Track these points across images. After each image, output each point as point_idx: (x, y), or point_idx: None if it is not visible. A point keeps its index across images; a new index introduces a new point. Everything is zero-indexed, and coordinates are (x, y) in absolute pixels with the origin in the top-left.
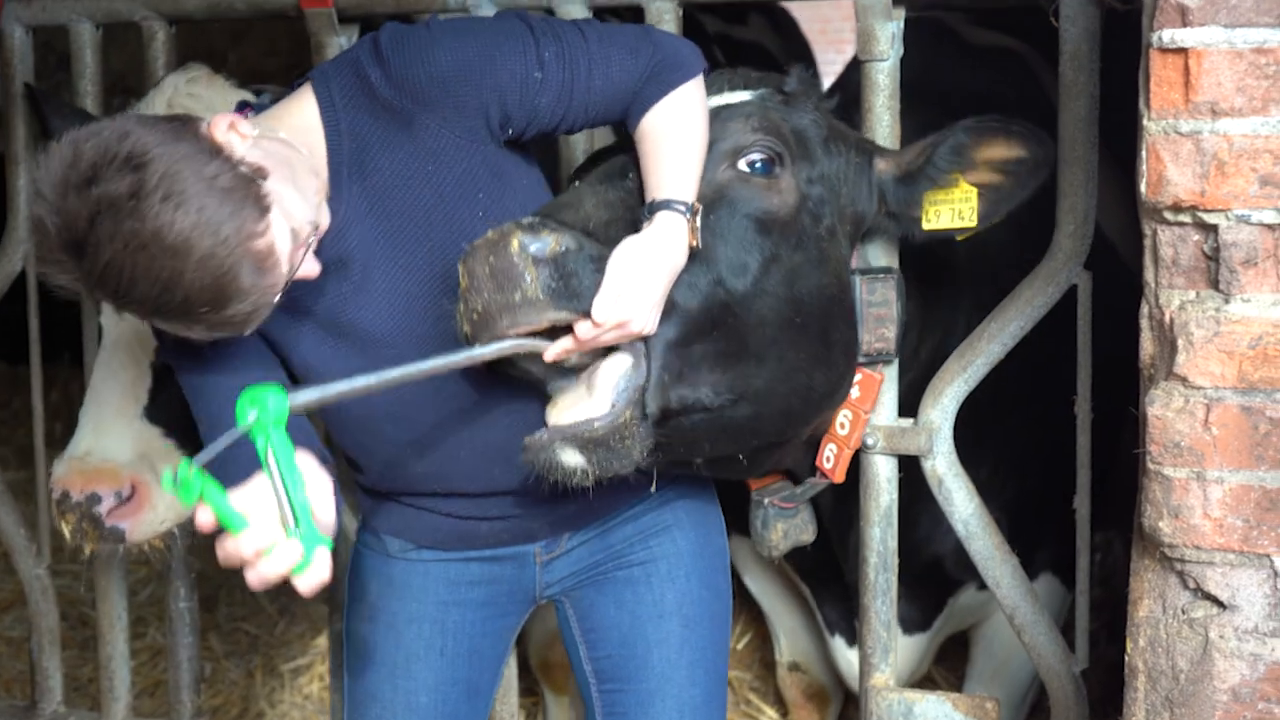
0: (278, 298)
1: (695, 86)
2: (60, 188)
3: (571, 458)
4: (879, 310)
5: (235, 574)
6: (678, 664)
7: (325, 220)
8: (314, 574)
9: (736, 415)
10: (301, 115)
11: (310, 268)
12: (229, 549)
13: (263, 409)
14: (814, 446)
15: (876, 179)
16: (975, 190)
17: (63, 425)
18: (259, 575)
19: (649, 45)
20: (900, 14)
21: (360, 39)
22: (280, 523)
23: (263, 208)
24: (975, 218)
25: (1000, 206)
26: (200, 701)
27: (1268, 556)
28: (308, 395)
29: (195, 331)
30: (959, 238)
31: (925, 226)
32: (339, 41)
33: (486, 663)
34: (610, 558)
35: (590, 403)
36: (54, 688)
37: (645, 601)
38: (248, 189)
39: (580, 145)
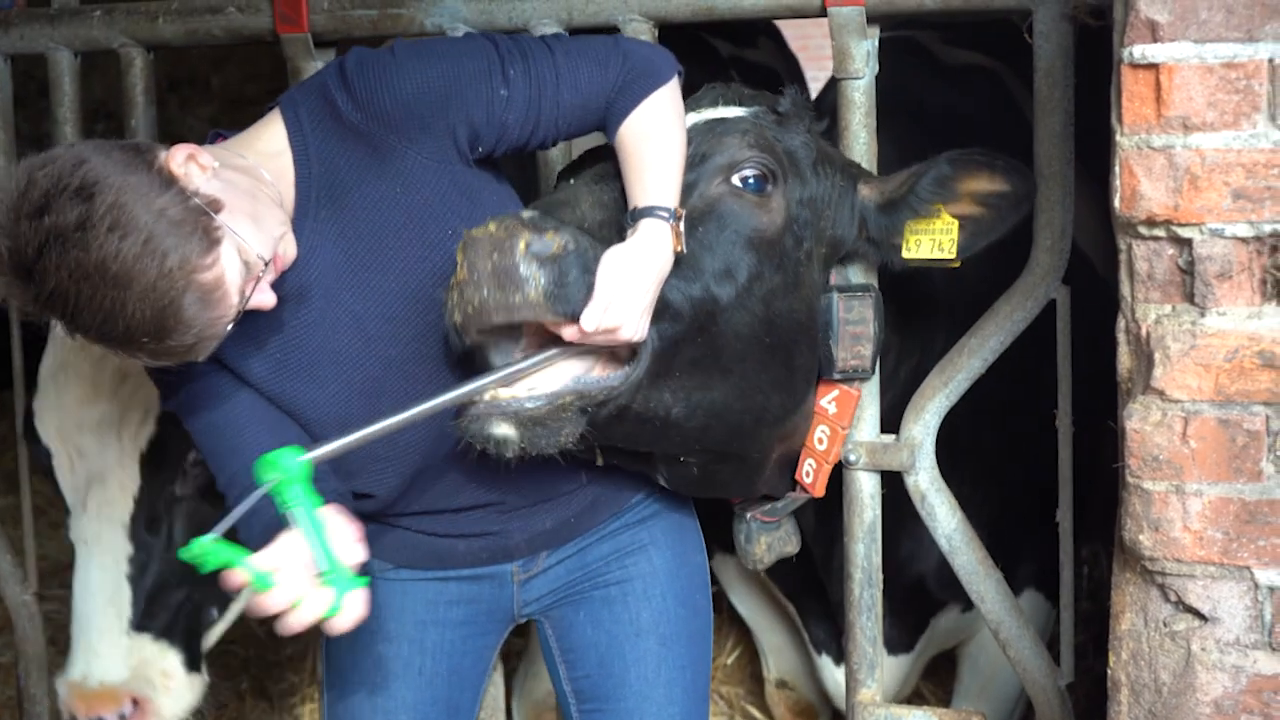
0: (228, 328)
1: (669, 92)
2: (13, 214)
3: (503, 430)
4: (856, 328)
5: None
6: (655, 683)
7: (291, 251)
8: (348, 615)
9: (687, 425)
10: (270, 140)
11: (265, 299)
12: (257, 604)
13: (282, 471)
14: (787, 468)
15: (859, 204)
16: (956, 222)
17: None
18: (289, 625)
19: (618, 56)
20: (875, 32)
21: (328, 64)
22: (310, 573)
23: (212, 240)
24: (955, 249)
25: (979, 239)
26: None
27: (1248, 569)
28: (322, 449)
29: (140, 359)
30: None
31: (905, 255)
32: (315, 65)
33: (467, 683)
34: (587, 577)
35: (539, 379)
36: (42, 713)
37: (621, 621)
38: (197, 221)
39: (558, 160)
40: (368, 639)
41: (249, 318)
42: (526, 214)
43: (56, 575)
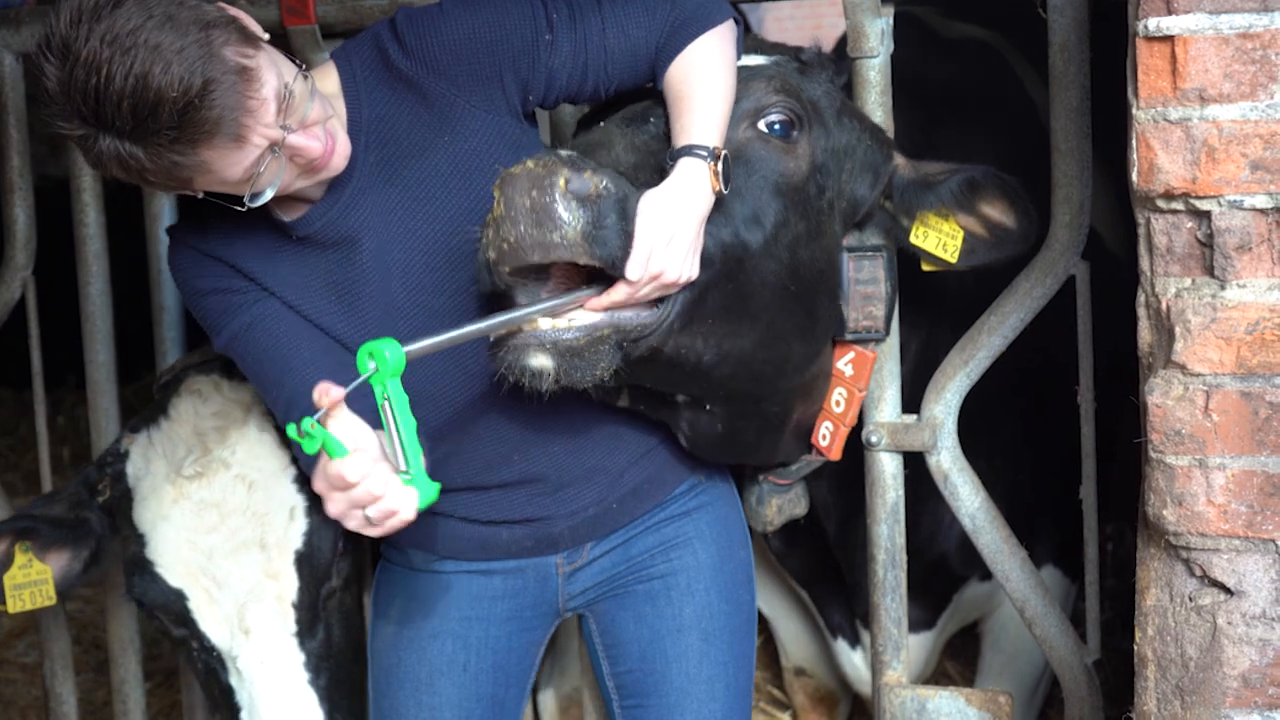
0: (265, 141)
1: (718, 35)
2: (56, 3)
3: (540, 360)
4: (867, 288)
5: None
6: (696, 679)
7: (344, 142)
8: (400, 517)
9: (715, 372)
10: (325, 83)
11: (310, 143)
12: (331, 471)
13: (381, 360)
14: (803, 434)
15: (890, 172)
16: (962, 232)
17: (70, 450)
18: (364, 511)
19: (668, 3)
20: (889, 11)
21: (379, 20)
22: (392, 469)
23: (248, 36)
24: (957, 256)
25: (973, 257)
26: None
27: (1272, 541)
28: (421, 344)
29: (159, 154)
30: (927, 266)
31: (912, 240)
32: (323, 58)
33: (513, 679)
34: (631, 570)
35: (577, 313)
36: (69, 713)
37: (664, 616)
38: (233, 21)
39: (569, 121)
40: (412, 634)
41: (307, 257)
42: (565, 153)
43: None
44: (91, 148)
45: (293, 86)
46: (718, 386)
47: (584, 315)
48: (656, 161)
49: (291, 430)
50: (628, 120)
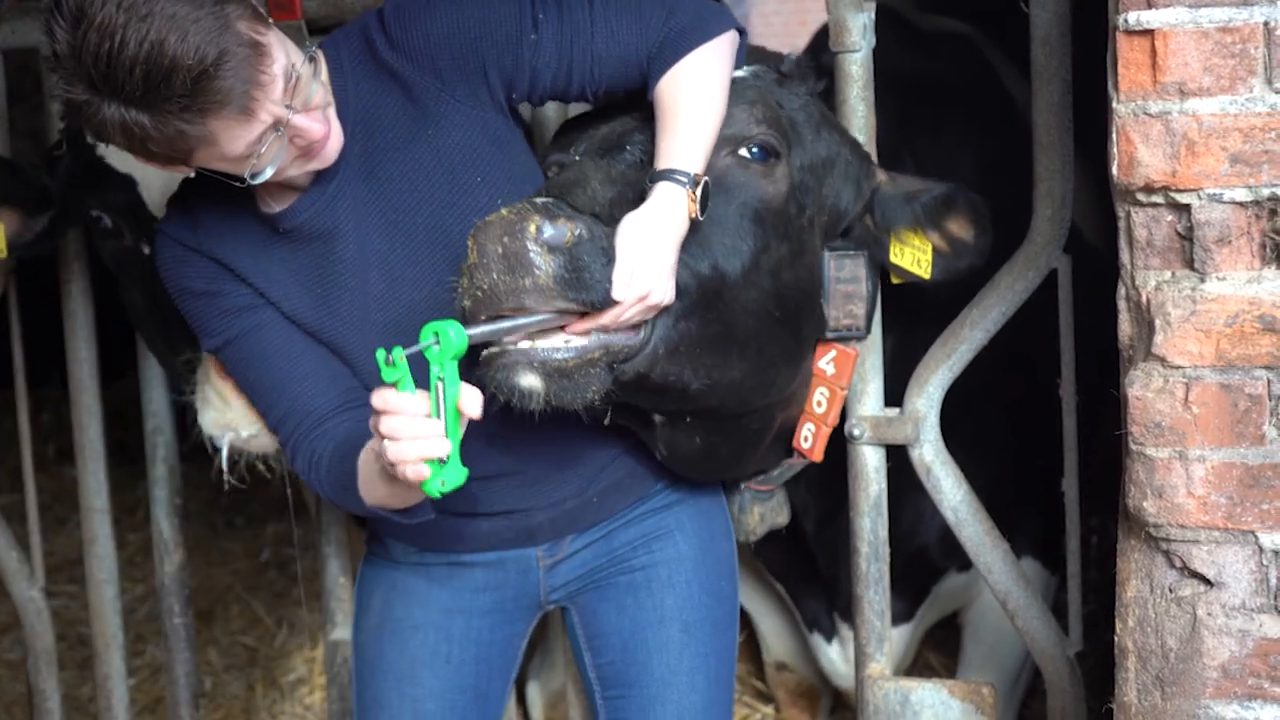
0: (270, 120)
1: (714, 49)
2: None
3: (530, 380)
4: (847, 287)
5: (231, 588)
6: (678, 670)
7: (337, 132)
8: (433, 485)
9: (704, 401)
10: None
11: (313, 125)
12: (392, 397)
13: (445, 339)
14: (780, 442)
15: (873, 186)
16: (930, 246)
17: (55, 447)
18: (401, 453)
19: (663, 11)
20: (871, 5)
21: (368, 11)
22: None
23: (260, 16)
24: (929, 271)
25: (935, 273)
26: (200, 716)
27: (1252, 533)
28: (482, 329)
29: (168, 121)
30: (896, 279)
31: (891, 259)
32: (310, 52)
33: (495, 670)
34: (612, 562)
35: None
36: (53, 709)
37: (645, 607)
38: (247, 2)
39: (552, 119)
40: (394, 627)
41: (295, 251)
42: (540, 200)
43: (63, 570)
44: (95, 114)
45: (299, 69)
46: (704, 409)
47: (576, 338)
48: (635, 192)
49: (380, 355)
50: (603, 150)
